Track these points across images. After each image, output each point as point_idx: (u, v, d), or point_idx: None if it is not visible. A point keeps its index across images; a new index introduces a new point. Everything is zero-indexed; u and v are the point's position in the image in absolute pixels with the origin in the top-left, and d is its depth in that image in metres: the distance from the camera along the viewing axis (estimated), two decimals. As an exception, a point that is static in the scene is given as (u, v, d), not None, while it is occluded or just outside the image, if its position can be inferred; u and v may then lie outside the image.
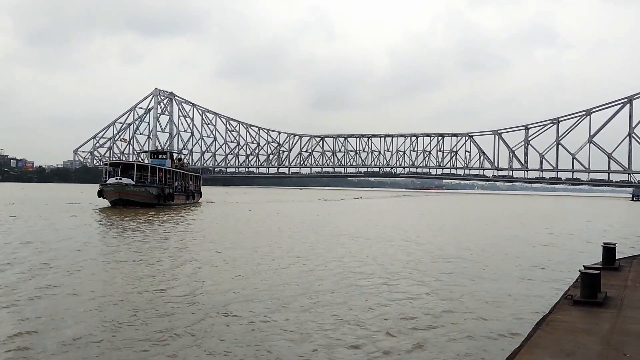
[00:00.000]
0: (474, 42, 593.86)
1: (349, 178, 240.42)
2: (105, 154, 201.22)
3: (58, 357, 7.04)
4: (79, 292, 10.83)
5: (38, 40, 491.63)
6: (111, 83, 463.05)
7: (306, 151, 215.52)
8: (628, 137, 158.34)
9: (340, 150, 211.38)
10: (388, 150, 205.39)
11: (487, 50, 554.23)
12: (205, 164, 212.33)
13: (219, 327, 8.60)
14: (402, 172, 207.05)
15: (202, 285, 11.97)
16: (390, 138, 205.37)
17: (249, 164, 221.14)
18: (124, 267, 13.87)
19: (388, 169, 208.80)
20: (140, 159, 55.91)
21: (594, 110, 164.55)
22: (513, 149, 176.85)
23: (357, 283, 12.53)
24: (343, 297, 11.00)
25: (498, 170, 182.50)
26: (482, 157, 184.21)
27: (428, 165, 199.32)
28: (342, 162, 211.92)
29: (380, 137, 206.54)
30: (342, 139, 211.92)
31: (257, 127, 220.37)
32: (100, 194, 42.10)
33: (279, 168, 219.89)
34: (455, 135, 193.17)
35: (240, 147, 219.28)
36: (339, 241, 21.66)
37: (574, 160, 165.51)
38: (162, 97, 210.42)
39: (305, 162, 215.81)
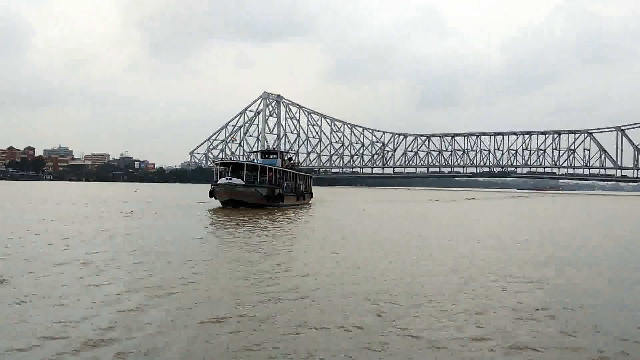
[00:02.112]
0: (595, 34, 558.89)
1: (456, 178, 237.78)
2: (218, 155, 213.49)
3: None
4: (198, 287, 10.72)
5: (160, 50, 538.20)
6: (225, 88, 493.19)
7: (411, 151, 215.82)
8: None
9: (447, 150, 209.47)
10: (499, 149, 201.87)
11: (610, 42, 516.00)
12: (310, 165, 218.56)
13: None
14: (514, 171, 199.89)
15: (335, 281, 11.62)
16: (501, 136, 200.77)
17: (354, 164, 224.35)
18: (233, 265, 13.60)
19: (498, 169, 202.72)
20: (250, 159, 56.47)
21: None
22: (639, 147, 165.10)
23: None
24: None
25: (621, 169, 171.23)
26: (603, 156, 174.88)
27: (542, 164, 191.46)
28: (449, 162, 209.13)
29: (490, 136, 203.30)
30: (448, 138, 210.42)
31: (361, 127, 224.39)
32: (212, 194, 42.51)
33: (383, 168, 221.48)
34: (573, 132, 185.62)
35: (344, 147, 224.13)
36: (451, 242, 20.27)
37: None
38: (271, 100, 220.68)
39: (410, 162, 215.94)
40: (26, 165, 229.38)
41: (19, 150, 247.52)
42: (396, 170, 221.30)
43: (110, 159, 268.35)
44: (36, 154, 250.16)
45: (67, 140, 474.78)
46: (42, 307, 8.92)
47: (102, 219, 27.67)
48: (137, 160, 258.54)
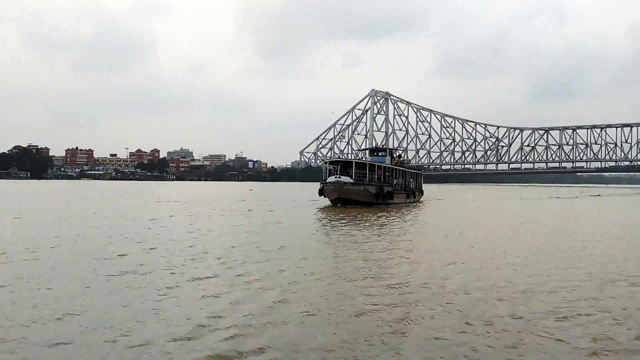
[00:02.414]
0: None
1: (578, 174, 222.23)
2: (327, 154, 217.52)
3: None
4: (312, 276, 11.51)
5: (271, 53, 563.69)
6: (334, 87, 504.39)
7: (528, 145, 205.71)
8: None
9: (567, 144, 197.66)
10: (627, 142, 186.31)
11: None
12: (419, 162, 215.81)
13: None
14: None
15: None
16: (629, 128, 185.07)
17: (465, 161, 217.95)
18: (359, 262, 13.79)
19: (626, 163, 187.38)
20: (359, 157, 56.35)
21: None
22: None
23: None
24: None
25: None
26: None
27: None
28: (570, 157, 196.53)
29: (617, 127, 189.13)
30: (569, 131, 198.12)
31: (473, 122, 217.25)
32: (321, 192, 42.63)
33: (497, 164, 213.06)
34: None
35: (455, 143, 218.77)
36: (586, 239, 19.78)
37: None
38: (378, 98, 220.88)
39: (527, 158, 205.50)
40: (152, 167, 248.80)
41: (145, 152, 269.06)
42: (512, 166, 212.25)
43: (226, 159, 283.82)
44: (160, 156, 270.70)
45: (187, 143, 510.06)
46: (189, 299, 9.57)
47: (225, 217, 29.29)
48: (250, 160, 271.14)
